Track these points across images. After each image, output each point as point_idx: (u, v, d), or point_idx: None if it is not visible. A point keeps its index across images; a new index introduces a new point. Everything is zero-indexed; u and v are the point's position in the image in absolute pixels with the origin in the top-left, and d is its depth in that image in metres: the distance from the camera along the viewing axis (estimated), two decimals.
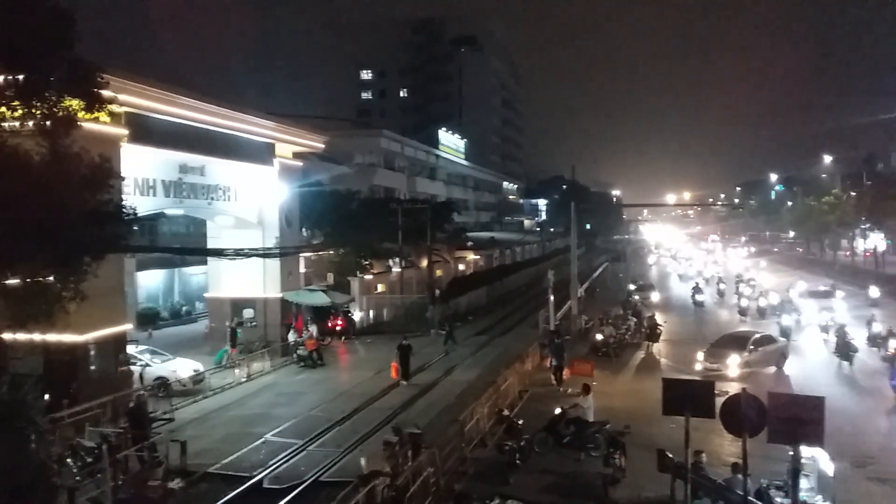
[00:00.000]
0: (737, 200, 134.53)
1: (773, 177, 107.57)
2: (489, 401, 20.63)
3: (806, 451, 12.56)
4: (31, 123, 13.89)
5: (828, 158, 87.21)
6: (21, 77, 13.36)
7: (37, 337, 18.46)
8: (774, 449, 13.12)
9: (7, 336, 18.99)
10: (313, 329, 32.44)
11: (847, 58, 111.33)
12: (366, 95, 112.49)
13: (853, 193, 75.19)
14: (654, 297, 50.05)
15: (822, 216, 76.59)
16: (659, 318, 34.16)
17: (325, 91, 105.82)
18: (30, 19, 13.25)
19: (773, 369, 27.58)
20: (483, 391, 21.99)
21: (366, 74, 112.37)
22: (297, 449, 19.47)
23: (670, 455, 14.08)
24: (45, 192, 13.29)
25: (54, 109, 13.82)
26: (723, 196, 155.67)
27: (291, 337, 32.06)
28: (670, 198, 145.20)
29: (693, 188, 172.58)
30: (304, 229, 39.44)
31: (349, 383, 27.57)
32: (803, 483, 12.77)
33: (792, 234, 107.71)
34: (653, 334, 32.37)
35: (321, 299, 35.18)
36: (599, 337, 31.00)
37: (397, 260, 45.71)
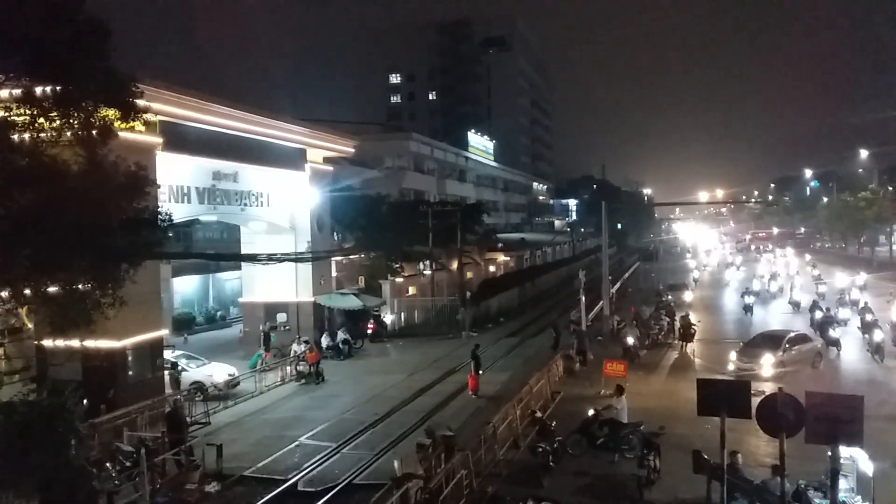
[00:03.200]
0: (771, 197, 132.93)
1: (808, 173, 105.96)
2: (521, 403, 20.60)
3: (845, 451, 12.36)
4: (68, 133, 14.15)
5: (864, 153, 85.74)
6: (58, 88, 13.63)
7: (76, 343, 18.79)
8: (812, 449, 12.93)
9: (48, 343, 19.46)
10: (312, 341, 30.46)
11: (883, 52, 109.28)
12: (395, 99, 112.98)
13: (890, 188, 73.88)
14: (688, 296, 49.45)
15: (859, 212, 75.31)
16: (693, 317, 33.78)
17: (355, 95, 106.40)
18: (66, 30, 13.51)
19: (808, 369, 27.01)
20: (515, 393, 21.96)
21: (395, 78, 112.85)
22: (331, 452, 19.61)
23: (706, 456, 13.94)
24: (84, 200, 13.54)
25: (91, 119, 14.07)
26: (756, 193, 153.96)
27: (296, 348, 29.67)
28: (702, 195, 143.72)
29: (726, 185, 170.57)
30: (335, 233, 39.75)
31: (381, 386, 27.66)
32: (842, 484, 12.56)
33: (803, 229, 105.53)
34: (686, 334, 32.04)
35: (353, 302, 35.40)
36: (630, 341, 30.10)
37: (428, 262, 45.81)
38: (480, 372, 26.43)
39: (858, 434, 11.33)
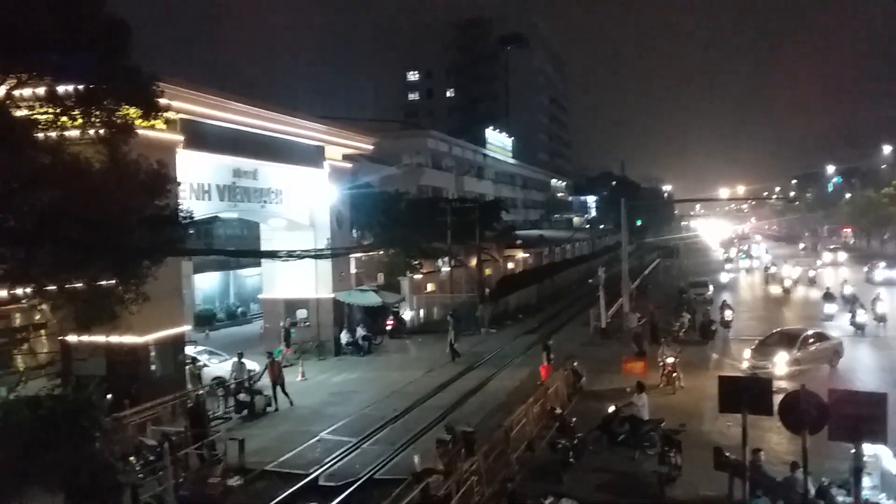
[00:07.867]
0: (792, 194, 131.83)
1: (831, 168, 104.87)
2: (541, 399, 20.57)
3: (868, 448, 12.25)
4: (91, 132, 14.29)
5: (887, 149, 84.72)
6: (81, 87, 13.77)
7: (100, 339, 18.99)
8: (835, 447, 12.84)
9: (72, 338, 19.66)
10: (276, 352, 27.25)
11: None
12: (413, 96, 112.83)
13: None
14: (709, 292, 48.90)
15: (883, 208, 74.44)
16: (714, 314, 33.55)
17: (373, 93, 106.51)
18: (88, 30, 13.64)
19: (825, 367, 26.41)
20: (534, 390, 21.93)
21: (413, 75, 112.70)
22: (352, 447, 19.73)
23: (728, 453, 13.87)
24: (106, 198, 13.65)
25: (113, 118, 14.20)
26: (778, 189, 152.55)
27: (252, 367, 26.02)
28: (723, 192, 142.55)
29: (747, 182, 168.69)
30: (354, 230, 39.85)
31: (401, 382, 27.75)
32: (866, 481, 12.46)
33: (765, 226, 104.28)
34: (707, 331, 31.81)
35: (372, 299, 35.49)
36: (670, 360, 25.29)
37: (446, 259, 45.83)
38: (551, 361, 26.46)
39: (882, 431, 11.24)
